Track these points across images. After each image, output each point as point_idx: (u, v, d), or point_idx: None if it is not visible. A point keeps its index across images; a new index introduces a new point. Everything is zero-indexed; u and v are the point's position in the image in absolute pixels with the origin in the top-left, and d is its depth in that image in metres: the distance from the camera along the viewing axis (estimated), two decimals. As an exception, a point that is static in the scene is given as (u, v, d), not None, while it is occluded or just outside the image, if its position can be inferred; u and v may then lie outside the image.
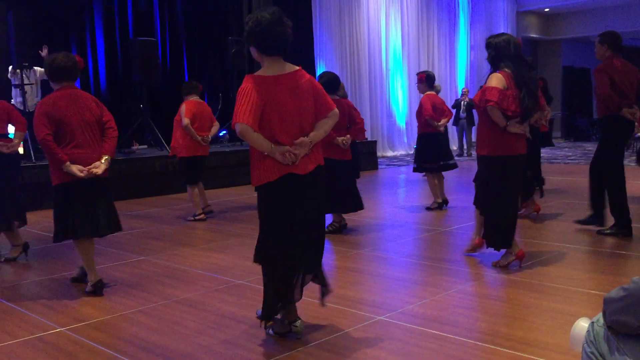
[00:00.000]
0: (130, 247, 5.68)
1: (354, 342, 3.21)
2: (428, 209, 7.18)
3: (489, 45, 4.46)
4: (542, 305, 3.68)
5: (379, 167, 12.74)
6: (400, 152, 15.74)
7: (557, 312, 3.55)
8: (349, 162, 5.86)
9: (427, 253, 5.18)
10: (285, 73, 3.11)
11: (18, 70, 8.38)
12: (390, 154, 15.41)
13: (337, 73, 14.01)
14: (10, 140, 5.27)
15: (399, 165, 13.16)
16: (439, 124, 6.96)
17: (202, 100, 7.10)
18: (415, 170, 7.29)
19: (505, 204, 4.43)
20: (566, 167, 11.77)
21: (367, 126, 14.70)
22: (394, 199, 8.57)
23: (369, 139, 13.35)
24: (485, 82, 4.40)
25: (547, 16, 20.27)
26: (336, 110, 3.25)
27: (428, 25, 16.54)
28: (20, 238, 5.37)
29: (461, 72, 17.63)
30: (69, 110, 4.09)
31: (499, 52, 4.38)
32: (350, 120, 5.98)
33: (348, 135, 5.78)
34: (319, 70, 13.36)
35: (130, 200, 8.60)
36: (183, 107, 6.82)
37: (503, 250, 4.57)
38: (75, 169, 4.02)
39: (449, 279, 4.31)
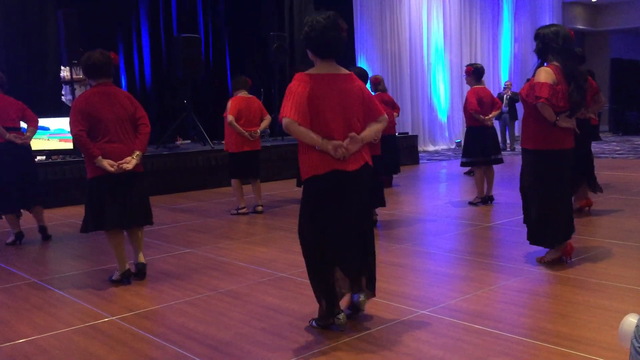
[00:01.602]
0: (175, 239, 5.81)
1: (397, 335, 3.22)
2: (471, 203, 7.11)
3: (537, 36, 4.35)
4: (589, 302, 3.63)
5: (420, 161, 12.66)
6: (441, 146, 15.60)
7: (604, 309, 3.49)
8: (378, 158, 5.78)
9: (470, 248, 5.15)
10: (335, 73, 3.23)
11: (67, 68, 8.63)
12: (431, 148, 15.29)
13: (378, 67, 14.04)
14: (23, 133, 5.79)
15: (440, 160, 13.04)
16: (486, 117, 6.83)
17: (250, 96, 7.12)
18: (462, 164, 7.17)
19: (554, 199, 4.33)
20: (614, 161, 11.47)
21: (408, 121, 14.68)
22: (436, 193, 8.52)
23: (410, 134, 13.27)
24: (533, 76, 4.29)
25: (594, 7, 19.72)
26: (385, 115, 3.36)
27: (471, 17, 16.30)
28: (18, 226, 5.89)
29: (505, 65, 17.33)
30: (102, 107, 4.23)
31: (546, 44, 4.28)
32: None
33: None
34: (360, 65, 13.34)
35: (174, 194, 8.79)
36: (229, 104, 6.91)
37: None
38: (107, 163, 4.17)
39: (493, 275, 4.28)
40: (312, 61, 3.30)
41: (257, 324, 3.45)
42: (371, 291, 3.43)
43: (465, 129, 7.16)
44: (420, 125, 15.06)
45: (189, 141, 11.13)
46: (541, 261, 4.47)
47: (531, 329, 3.23)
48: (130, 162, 4.25)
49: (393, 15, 14.45)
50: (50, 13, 9.66)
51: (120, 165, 4.21)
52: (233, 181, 7.06)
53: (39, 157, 8.00)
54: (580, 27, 19.49)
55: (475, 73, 6.93)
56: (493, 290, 3.92)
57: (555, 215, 4.33)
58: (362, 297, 3.39)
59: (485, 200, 7.08)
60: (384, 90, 8.05)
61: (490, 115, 6.89)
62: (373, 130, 3.29)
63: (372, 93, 7.54)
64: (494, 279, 4.16)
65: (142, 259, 4.51)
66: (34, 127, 5.84)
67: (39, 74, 9.63)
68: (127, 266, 4.41)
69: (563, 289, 3.91)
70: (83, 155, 4.30)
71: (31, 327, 3.55)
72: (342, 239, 3.24)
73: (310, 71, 3.23)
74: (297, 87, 3.14)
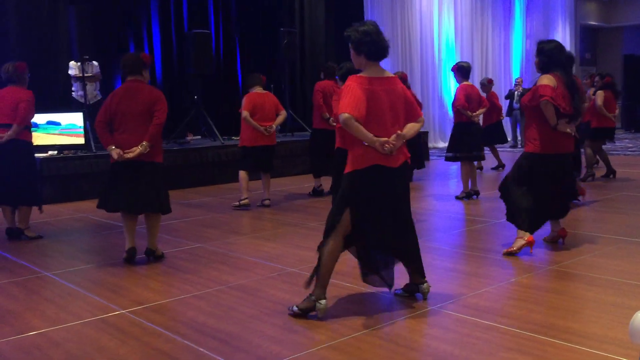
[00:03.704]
0: (186, 234, 5.84)
1: (407, 331, 3.22)
2: (457, 198, 7.26)
3: (541, 51, 4.65)
4: (599, 299, 3.61)
5: (430, 158, 12.62)
6: (452, 143, 15.52)
7: (614, 305, 3.47)
8: None
9: (479, 244, 5.13)
10: (383, 77, 3.51)
11: (78, 64, 8.65)
12: (441, 145, 15.20)
13: (389, 63, 13.98)
14: (6, 130, 5.42)
15: (451, 157, 12.97)
16: (473, 114, 7.04)
17: (265, 91, 7.23)
18: (448, 159, 7.33)
19: (538, 198, 4.57)
20: (626, 158, 11.38)
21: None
22: (445, 190, 8.49)
23: (420, 130, 13.23)
24: (536, 83, 4.56)
25: (607, 2, 19.54)
26: (423, 117, 3.64)
27: (482, 13, 16.20)
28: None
29: (516, 62, 17.21)
30: (122, 102, 4.66)
31: (551, 58, 4.59)
32: None
33: None
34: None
35: (184, 190, 8.81)
36: (244, 100, 7.03)
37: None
38: (114, 152, 4.59)
39: (502, 271, 4.27)
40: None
41: (267, 318, 3.46)
42: (422, 277, 3.66)
43: (454, 124, 7.32)
44: (431, 122, 15.00)
45: (199, 137, 11.16)
46: (507, 253, 4.61)
47: (541, 325, 3.22)
48: (133, 152, 4.56)
49: (404, 12, 14.38)
50: (62, 8, 9.70)
51: (121, 154, 4.55)
52: (241, 172, 7.10)
53: (50, 152, 8.05)
54: (593, 23, 19.31)
55: (460, 71, 7.11)
56: (503, 286, 3.91)
57: (531, 208, 4.59)
58: (424, 287, 3.64)
59: (470, 194, 7.22)
60: (408, 88, 8.06)
61: (477, 112, 7.13)
62: (412, 129, 3.54)
63: None
64: (503, 275, 4.15)
65: (152, 245, 4.82)
66: (18, 124, 5.40)
67: (50, 69, 9.66)
68: (132, 245, 4.74)
69: (573, 285, 3.89)
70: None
71: (43, 320, 3.57)
72: (383, 227, 3.46)
73: (364, 74, 3.48)
74: (355, 87, 3.38)
